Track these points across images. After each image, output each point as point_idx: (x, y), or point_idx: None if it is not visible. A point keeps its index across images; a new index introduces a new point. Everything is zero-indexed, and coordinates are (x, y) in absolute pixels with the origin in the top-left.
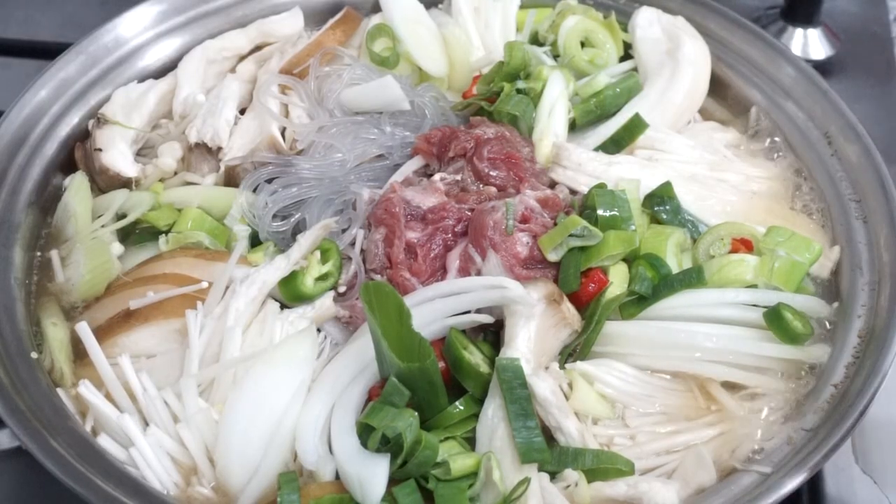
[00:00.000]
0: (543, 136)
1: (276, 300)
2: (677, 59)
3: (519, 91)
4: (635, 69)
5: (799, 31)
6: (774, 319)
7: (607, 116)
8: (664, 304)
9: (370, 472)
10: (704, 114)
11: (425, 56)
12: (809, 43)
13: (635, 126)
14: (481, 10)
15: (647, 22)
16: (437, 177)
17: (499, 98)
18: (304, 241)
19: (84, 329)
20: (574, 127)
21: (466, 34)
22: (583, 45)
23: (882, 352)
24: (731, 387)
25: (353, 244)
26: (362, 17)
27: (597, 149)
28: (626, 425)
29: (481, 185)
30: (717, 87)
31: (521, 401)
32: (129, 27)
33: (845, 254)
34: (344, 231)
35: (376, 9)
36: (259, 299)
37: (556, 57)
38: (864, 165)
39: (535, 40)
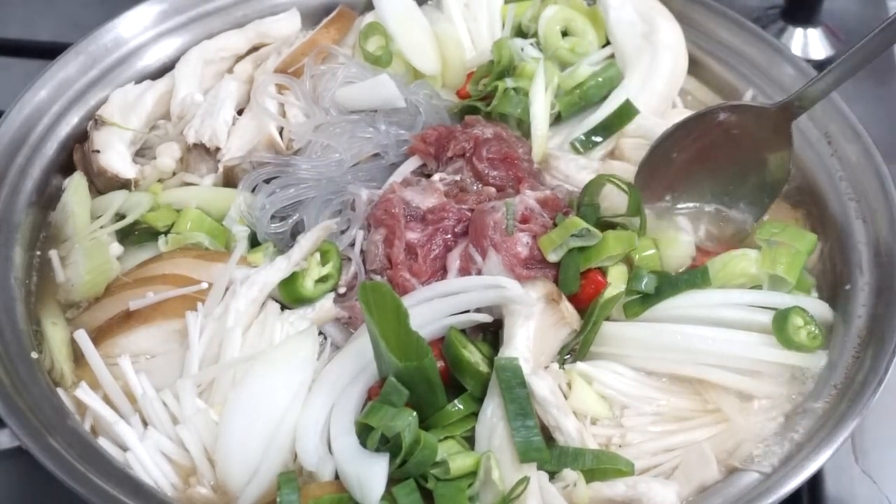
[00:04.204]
0: (536, 135)
1: (276, 301)
2: (655, 43)
3: (507, 90)
4: (614, 55)
5: (799, 31)
6: (781, 325)
7: (591, 106)
8: (668, 305)
9: (369, 471)
10: (696, 102)
11: (418, 54)
12: (809, 43)
13: (625, 113)
14: (471, 6)
15: (619, 2)
16: (436, 177)
17: (494, 98)
18: (305, 242)
19: (82, 336)
20: (560, 118)
21: (457, 30)
22: (565, 34)
23: (882, 352)
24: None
25: (352, 245)
26: (356, 16)
27: (587, 134)
28: (624, 425)
29: (480, 186)
30: (719, 88)
31: (519, 400)
32: (128, 27)
33: (845, 253)
34: (343, 232)
35: (370, 7)
36: (259, 300)
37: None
38: (864, 165)
39: (520, 31)
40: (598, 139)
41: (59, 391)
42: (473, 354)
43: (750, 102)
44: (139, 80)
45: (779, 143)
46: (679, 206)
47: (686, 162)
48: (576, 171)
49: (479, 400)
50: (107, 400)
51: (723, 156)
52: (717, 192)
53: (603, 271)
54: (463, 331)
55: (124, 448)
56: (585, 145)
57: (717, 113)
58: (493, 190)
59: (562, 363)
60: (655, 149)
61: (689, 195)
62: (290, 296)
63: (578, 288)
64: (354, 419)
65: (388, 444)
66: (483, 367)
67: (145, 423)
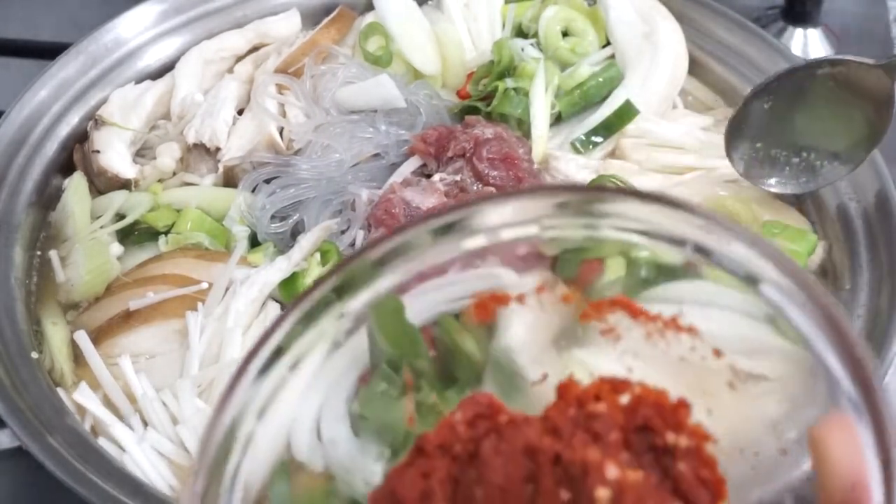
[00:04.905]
0: (536, 135)
1: (277, 301)
2: (655, 44)
3: (507, 90)
4: (614, 55)
5: (799, 31)
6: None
7: (591, 106)
8: (668, 290)
9: (360, 461)
10: (697, 103)
11: (418, 54)
12: (809, 43)
13: (626, 113)
14: (471, 6)
15: (619, 2)
16: (436, 177)
17: (494, 98)
18: (305, 242)
19: (82, 337)
20: (561, 118)
21: (457, 31)
22: (565, 34)
23: (882, 352)
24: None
25: (352, 245)
26: (356, 16)
27: (587, 134)
28: None
29: (481, 186)
30: (719, 88)
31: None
32: (129, 27)
33: (845, 253)
34: (343, 232)
35: (370, 7)
36: (259, 300)
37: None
38: (864, 165)
39: (520, 32)
40: (599, 139)
41: (60, 391)
42: (468, 343)
43: (853, 57)
44: (139, 80)
45: (880, 100)
46: (771, 153)
47: (778, 112)
48: (575, 171)
49: (473, 389)
50: (107, 400)
51: (818, 109)
52: (807, 144)
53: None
54: (456, 317)
55: (123, 450)
56: (586, 145)
57: (816, 67)
58: (493, 190)
59: (558, 351)
60: (750, 98)
61: (778, 145)
62: (290, 296)
63: (575, 274)
64: (346, 408)
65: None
66: (478, 356)
67: (146, 423)
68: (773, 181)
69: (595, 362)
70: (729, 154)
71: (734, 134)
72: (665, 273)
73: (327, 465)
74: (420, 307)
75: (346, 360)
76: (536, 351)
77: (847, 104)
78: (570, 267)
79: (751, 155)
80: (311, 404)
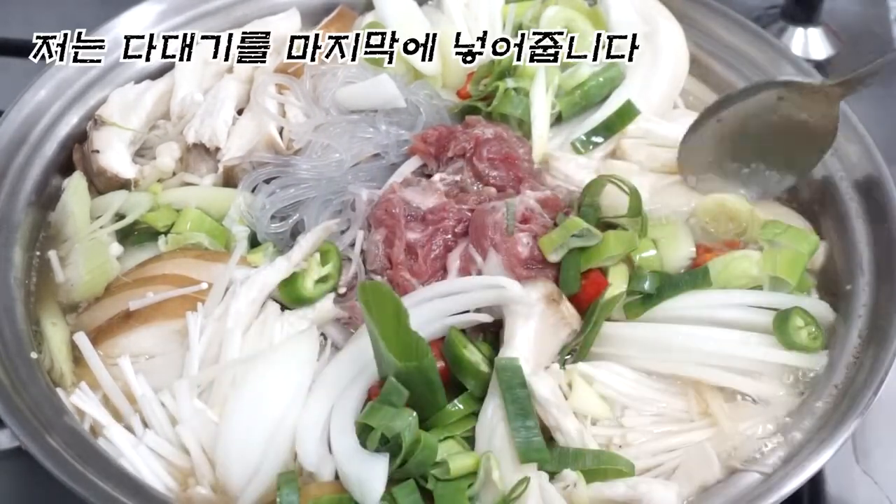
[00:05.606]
0: (536, 135)
1: (277, 301)
2: (656, 44)
3: (507, 90)
4: None
5: (799, 31)
6: (782, 326)
7: (592, 107)
8: (669, 305)
9: (369, 471)
10: (697, 102)
11: (418, 54)
12: (810, 43)
13: (626, 113)
14: (471, 6)
15: (620, 2)
16: (436, 177)
17: (495, 98)
18: (305, 242)
19: (82, 339)
20: (561, 118)
21: (457, 31)
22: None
23: (882, 352)
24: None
25: (352, 245)
26: (356, 16)
27: (588, 134)
28: (624, 425)
29: (481, 186)
30: (720, 88)
31: (520, 400)
32: (128, 27)
33: (845, 253)
34: (343, 232)
35: (370, 7)
36: (259, 301)
37: None
38: (864, 165)
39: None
40: (599, 139)
41: (59, 391)
42: (474, 354)
43: (801, 79)
44: (139, 80)
45: (825, 117)
46: (722, 166)
47: (730, 129)
48: (575, 171)
49: (480, 400)
50: (106, 400)
51: (768, 127)
52: (757, 157)
53: (603, 272)
54: (463, 331)
55: (119, 453)
56: (586, 145)
57: (765, 87)
58: (493, 190)
59: (562, 363)
60: (704, 117)
61: (730, 159)
62: (290, 296)
63: (579, 288)
64: (354, 419)
65: (388, 445)
66: (483, 367)
67: (146, 424)
68: (726, 191)
69: (596, 375)
70: (680, 167)
71: (686, 150)
72: (670, 285)
73: (341, 478)
74: (427, 317)
75: (351, 370)
76: (541, 362)
77: (795, 121)
78: (573, 280)
79: (702, 167)
80: (316, 414)
